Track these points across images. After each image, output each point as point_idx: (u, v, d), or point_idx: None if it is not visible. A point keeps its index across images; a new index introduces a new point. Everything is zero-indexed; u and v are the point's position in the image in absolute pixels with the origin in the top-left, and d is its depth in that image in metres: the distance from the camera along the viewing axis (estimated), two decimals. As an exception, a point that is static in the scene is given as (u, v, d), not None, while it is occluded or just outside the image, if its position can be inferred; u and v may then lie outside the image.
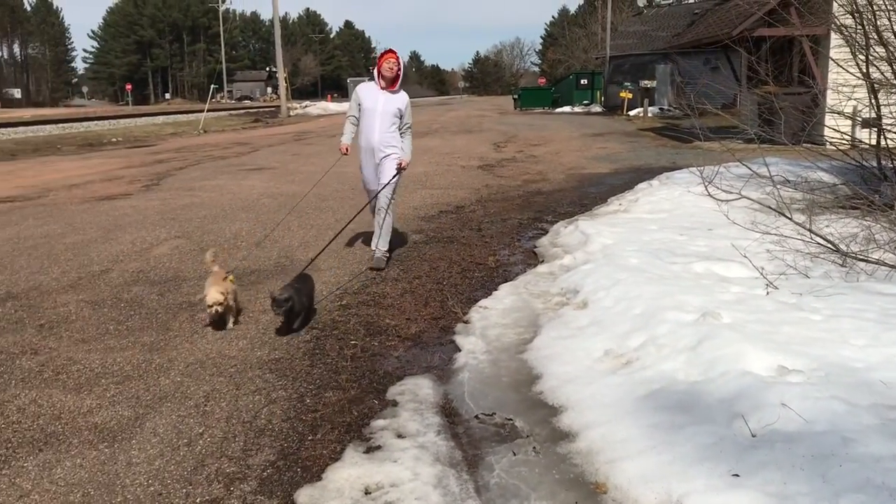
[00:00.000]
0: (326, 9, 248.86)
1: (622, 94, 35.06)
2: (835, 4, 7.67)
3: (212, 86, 44.57)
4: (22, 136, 24.35)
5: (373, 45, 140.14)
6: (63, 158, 17.79)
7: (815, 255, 5.31)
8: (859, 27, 6.77)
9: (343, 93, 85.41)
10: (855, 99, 7.26)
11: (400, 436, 3.32)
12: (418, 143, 18.17)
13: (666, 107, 34.36)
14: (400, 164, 6.24)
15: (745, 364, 3.49)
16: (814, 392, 3.14)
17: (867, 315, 4.06)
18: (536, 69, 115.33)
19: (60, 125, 28.47)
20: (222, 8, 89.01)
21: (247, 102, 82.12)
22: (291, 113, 43.66)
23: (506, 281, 5.88)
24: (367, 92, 6.23)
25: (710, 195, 5.84)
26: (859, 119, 8.13)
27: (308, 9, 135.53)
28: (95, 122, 32.16)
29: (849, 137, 7.73)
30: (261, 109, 51.89)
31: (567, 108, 44.24)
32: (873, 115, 7.38)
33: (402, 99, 6.22)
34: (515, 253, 7.05)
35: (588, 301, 4.91)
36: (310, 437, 3.38)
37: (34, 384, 4.01)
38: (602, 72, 45.75)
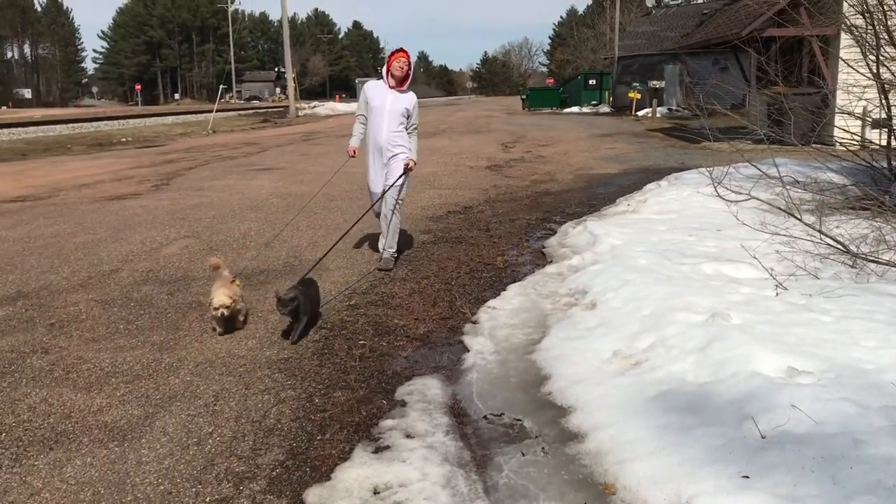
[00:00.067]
0: (335, 9, 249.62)
1: (631, 95, 35.01)
2: (845, 4, 7.65)
3: (221, 86, 44.77)
4: (32, 136, 24.51)
5: (381, 46, 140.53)
6: (73, 158, 17.89)
7: (824, 256, 5.28)
8: (870, 27, 6.74)
9: (351, 93, 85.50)
10: (865, 99, 7.24)
11: (409, 436, 3.32)
12: (426, 144, 18.32)
13: (675, 107, 34.30)
14: (407, 164, 6.24)
15: (755, 365, 3.47)
16: (824, 394, 3.13)
17: (877, 316, 4.04)
18: (544, 69, 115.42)
19: (70, 125, 28.60)
20: (231, 8, 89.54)
21: (255, 103, 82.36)
22: (300, 113, 43.85)
23: (514, 281, 5.88)
24: (376, 90, 6.22)
25: (719, 196, 5.83)
26: (869, 120, 8.09)
27: (317, 9, 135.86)
28: (105, 122, 32.30)
29: (859, 138, 7.70)
30: (269, 110, 52.07)
31: (575, 109, 44.24)
32: (883, 115, 7.35)
33: (410, 99, 6.20)
34: (524, 253, 7.04)
35: (597, 302, 4.90)
36: (319, 437, 3.38)
37: (45, 383, 4.03)
38: (610, 72, 45.72)
